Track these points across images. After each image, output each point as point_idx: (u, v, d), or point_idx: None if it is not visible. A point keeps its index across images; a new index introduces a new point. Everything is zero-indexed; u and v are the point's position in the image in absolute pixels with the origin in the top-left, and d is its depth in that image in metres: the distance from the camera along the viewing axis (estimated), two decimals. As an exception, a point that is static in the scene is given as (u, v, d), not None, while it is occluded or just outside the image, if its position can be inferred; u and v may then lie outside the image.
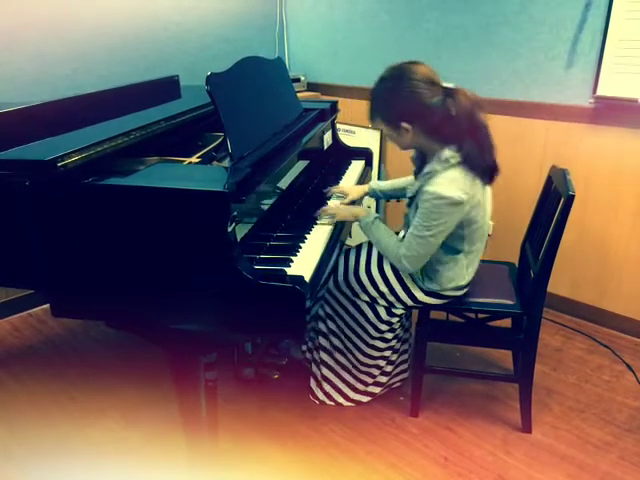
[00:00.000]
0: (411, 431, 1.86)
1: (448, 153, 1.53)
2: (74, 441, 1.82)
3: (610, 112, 2.23)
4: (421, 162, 1.67)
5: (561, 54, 2.31)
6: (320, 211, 1.75)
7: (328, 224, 1.70)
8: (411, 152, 1.75)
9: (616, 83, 2.17)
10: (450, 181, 1.51)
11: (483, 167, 1.55)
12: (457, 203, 1.50)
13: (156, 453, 1.76)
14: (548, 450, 1.78)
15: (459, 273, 1.69)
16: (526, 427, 1.85)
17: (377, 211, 3.09)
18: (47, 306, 1.41)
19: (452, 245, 1.65)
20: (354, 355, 1.88)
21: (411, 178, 1.98)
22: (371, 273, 1.78)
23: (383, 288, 1.76)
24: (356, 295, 1.81)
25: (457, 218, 1.55)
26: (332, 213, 1.74)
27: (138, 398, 2.01)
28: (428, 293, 1.74)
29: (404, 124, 1.53)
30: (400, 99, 1.51)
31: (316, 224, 1.71)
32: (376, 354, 1.86)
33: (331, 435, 1.84)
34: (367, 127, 3.06)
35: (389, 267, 1.76)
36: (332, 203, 1.87)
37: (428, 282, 1.73)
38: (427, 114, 1.51)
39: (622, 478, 1.68)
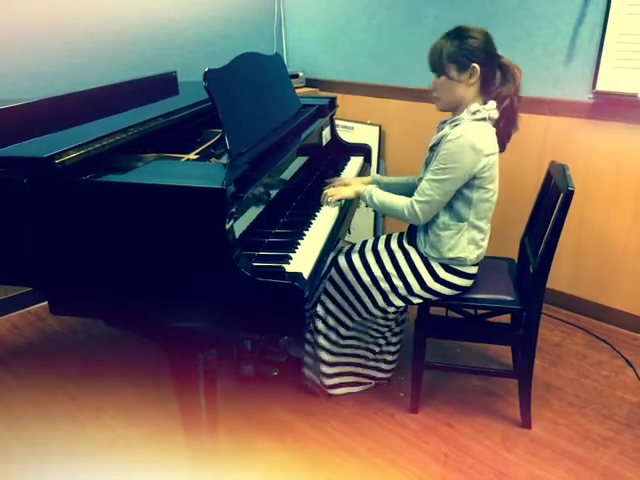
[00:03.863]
0: (411, 427, 1.86)
1: (477, 106, 1.62)
2: (74, 439, 1.82)
3: (610, 107, 2.22)
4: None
5: (560, 49, 2.31)
6: (323, 196, 1.81)
7: (333, 206, 1.80)
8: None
9: (616, 78, 2.17)
10: (475, 130, 1.60)
11: (506, 132, 1.68)
12: (478, 149, 1.57)
13: (156, 451, 1.76)
14: (548, 446, 1.79)
15: (460, 244, 1.69)
16: (526, 423, 1.85)
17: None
18: (46, 303, 1.40)
19: (458, 210, 1.66)
20: (337, 331, 1.88)
21: (412, 177, 1.98)
22: (378, 253, 1.79)
23: (390, 269, 1.76)
24: (356, 275, 1.79)
25: (472, 167, 1.59)
26: (333, 194, 1.80)
27: (138, 396, 2.01)
28: (437, 279, 1.73)
29: (475, 64, 1.59)
30: (474, 40, 1.60)
31: (315, 220, 1.71)
32: (361, 329, 1.89)
33: (330, 432, 1.84)
34: (366, 123, 3.06)
35: (398, 249, 1.79)
36: (331, 187, 1.89)
37: (429, 248, 1.73)
38: (492, 63, 1.63)
39: (622, 473, 1.68)
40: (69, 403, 1.99)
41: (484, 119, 1.62)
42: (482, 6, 2.48)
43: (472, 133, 1.58)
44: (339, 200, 1.82)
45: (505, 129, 1.68)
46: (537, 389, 2.01)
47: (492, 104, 1.64)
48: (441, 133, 1.67)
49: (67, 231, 1.30)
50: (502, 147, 1.70)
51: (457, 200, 1.66)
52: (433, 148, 1.70)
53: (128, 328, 1.44)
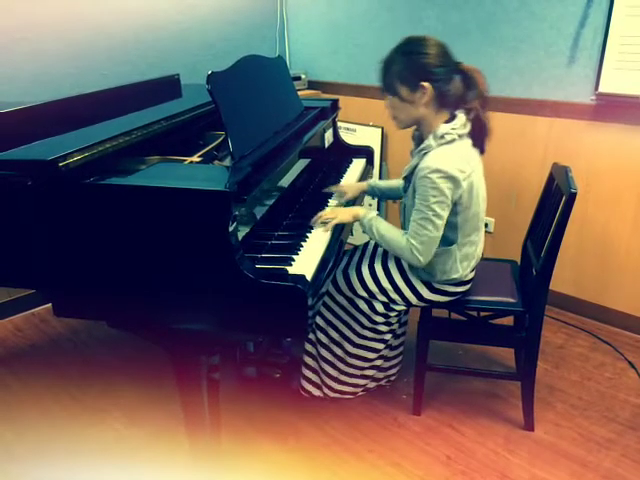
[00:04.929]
0: (413, 429, 1.86)
1: (444, 129, 1.54)
2: (77, 440, 1.82)
3: (612, 109, 2.22)
4: (419, 141, 1.67)
5: (562, 51, 2.31)
6: (316, 218, 1.66)
7: (324, 231, 1.62)
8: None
9: (618, 80, 2.16)
10: (445, 156, 1.52)
11: (480, 139, 1.60)
12: (452, 177, 1.50)
13: (159, 452, 1.76)
14: (551, 448, 1.78)
15: (452, 266, 1.67)
16: (529, 425, 1.85)
17: (378, 209, 3.09)
18: (50, 305, 1.41)
19: (445, 235, 1.62)
20: (342, 347, 1.86)
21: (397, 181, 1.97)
22: (374, 269, 1.77)
23: (386, 285, 1.75)
24: (353, 290, 1.79)
25: (454, 194, 1.54)
26: (330, 217, 1.65)
27: (141, 397, 2.02)
28: (434, 290, 1.73)
29: (424, 83, 1.51)
30: (423, 56, 1.51)
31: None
32: (366, 344, 1.85)
33: (333, 433, 1.84)
34: (368, 125, 3.06)
35: (394, 265, 1.76)
36: (329, 208, 1.80)
37: (422, 273, 1.72)
38: (448, 76, 1.53)
39: (625, 476, 1.68)
40: (72, 404, 1.99)
41: (453, 140, 1.54)
42: (483, 7, 2.49)
43: (442, 162, 1.50)
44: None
45: (478, 138, 1.60)
46: (540, 391, 2.01)
47: (461, 119, 1.55)
48: (412, 163, 1.62)
49: (71, 233, 1.31)
50: (481, 150, 1.63)
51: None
52: (407, 177, 1.65)
53: (131, 330, 1.44)
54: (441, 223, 1.56)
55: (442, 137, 1.54)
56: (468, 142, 1.59)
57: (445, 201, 1.53)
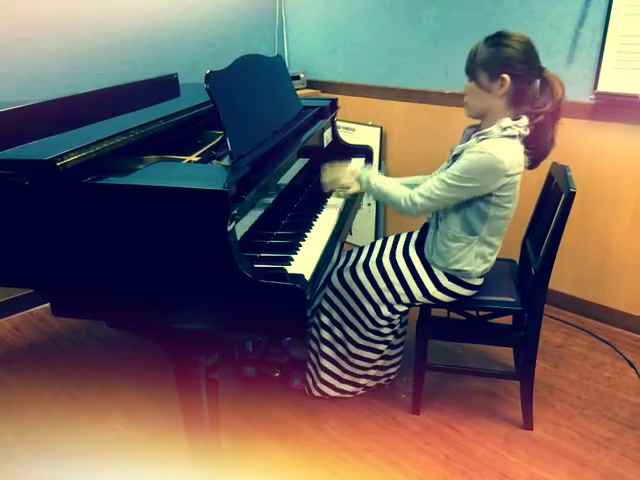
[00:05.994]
0: (412, 429, 1.86)
1: (509, 122, 1.54)
2: (76, 440, 1.82)
3: (611, 108, 2.22)
4: (474, 131, 1.67)
5: (562, 50, 2.31)
6: (329, 185, 1.84)
7: (343, 196, 1.86)
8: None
9: (617, 79, 2.16)
10: (503, 147, 1.52)
11: (539, 151, 1.60)
12: (500, 168, 1.51)
13: (158, 452, 1.76)
14: (550, 447, 1.78)
15: (467, 257, 1.67)
16: (528, 424, 1.85)
17: (377, 208, 3.09)
18: (48, 305, 1.40)
19: (472, 223, 1.63)
20: (345, 346, 1.87)
21: (414, 177, 1.97)
22: (382, 263, 1.78)
23: (393, 278, 1.75)
24: (362, 288, 1.79)
25: (489, 185, 1.54)
26: (333, 178, 1.82)
27: (140, 397, 2.02)
28: (440, 288, 1.73)
29: (505, 75, 1.51)
30: (508, 49, 1.52)
31: (316, 221, 1.71)
32: (369, 345, 1.86)
33: (332, 433, 1.84)
34: (367, 124, 3.06)
35: (402, 258, 1.77)
36: (329, 171, 1.90)
37: (435, 256, 1.72)
38: (528, 76, 1.54)
39: (624, 474, 1.68)
40: (71, 404, 1.99)
41: (514, 136, 1.54)
42: (483, 7, 2.48)
43: (499, 151, 1.50)
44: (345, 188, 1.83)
45: (535, 146, 1.59)
46: (539, 391, 2.01)
47: (524, 121, 1.55)
48: (468, 143, 1.60)
49: (69, 233, 1.30)
50: (534, 164, 1.63)
51: (471, 213, 1.62)
52: (455, 157, 1.63)
53: (130, 330, 1.44)
54: (458, 198, 1.58)
55: (505, 129, 1.54)
56: (522, 146, 1.58)
57: (476, 183, 1.53)
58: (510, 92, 1.54)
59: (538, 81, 1.56)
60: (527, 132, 1.56)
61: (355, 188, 1.81)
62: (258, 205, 1.53)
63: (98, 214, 1.28)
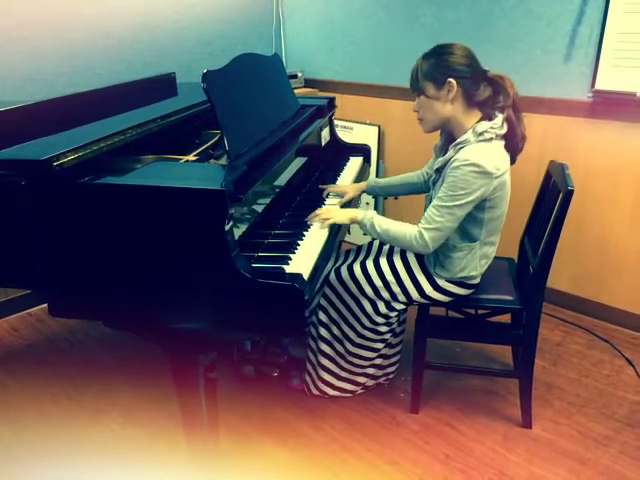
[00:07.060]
0: (412, 428, 1.86)
1: (485, 126, 1.54)
2: (75, 440, 1.82)
3: (609, 106, 2.22)
4: (449, 138, 1.66)
5: (559, 48, 2.30)
6: (312, 216, 1.68)
7: (320, 228, 1.64)
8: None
9: (614, 77, 2.16)
10: (482, 152, 1.53)
11: (513, 145, 1.59)
12: (487, 173, 1.50)
13: (157, 452, 1.76)
14: (549, 445, 1.78)
15: (472, 262, 1.68)
16: (526, 422, 1.85)
17: (375, 208, 3.08)
18: (46, 306, 1.40)
19: (469, 231, 1.63)
20: (343, 344, 1.87)
21: (409, 174, 1.98)
22: (379, 263, 1.78)
23: (390, 278, 1.75)
24: (359, 286, 1.79)
25: (483, 192, 1.53)
26: (325, 217, 1.66)
27: (138, 397, 2.01)
28: (437, 288, 1.73)
29: (450, 79, 1.53)
30: (448, 55, 1.55)
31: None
32: (367, 343, 1.86)
33: (331, 432, 1.84)
34: (365, 123, 3.06)
35: (399, 259, 1.77)
36: (326, 207, 1.82)
37: (439, 269, 1.71)
38: (473, 77, 1.55)
39: (622, 472, 1.68)
40: (69, 404, 1.99)
41: (491, 139, 1.55)
42: (481, 5, 2.48)
43: (480, 156, 1.50)
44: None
45: (511, 142, 1.60)
46: (538, 389, 2.01)
47: (499, 119, 1.56)
48: (447, 156, 1.59)
49: (66, 233, 1.30)
50: (512, 160, 1.64)
51: (467, 221, 1.61)
52: (439, 170, 1.64)
53: (128, 329, 1.44)
54: (460, 215, 1.56)
55: (481, 134, 1.54)
56: (502, 143, 1.59)
57: (472, 195, 1.52)
58: (460, 96, 1.56)
59: (485, 83, 1.58)
60: (504, 129, 1.57)
61: (344, 222, 1.71)
62: (256, 204, 1.52)
63: (95, 214, 1.28)
